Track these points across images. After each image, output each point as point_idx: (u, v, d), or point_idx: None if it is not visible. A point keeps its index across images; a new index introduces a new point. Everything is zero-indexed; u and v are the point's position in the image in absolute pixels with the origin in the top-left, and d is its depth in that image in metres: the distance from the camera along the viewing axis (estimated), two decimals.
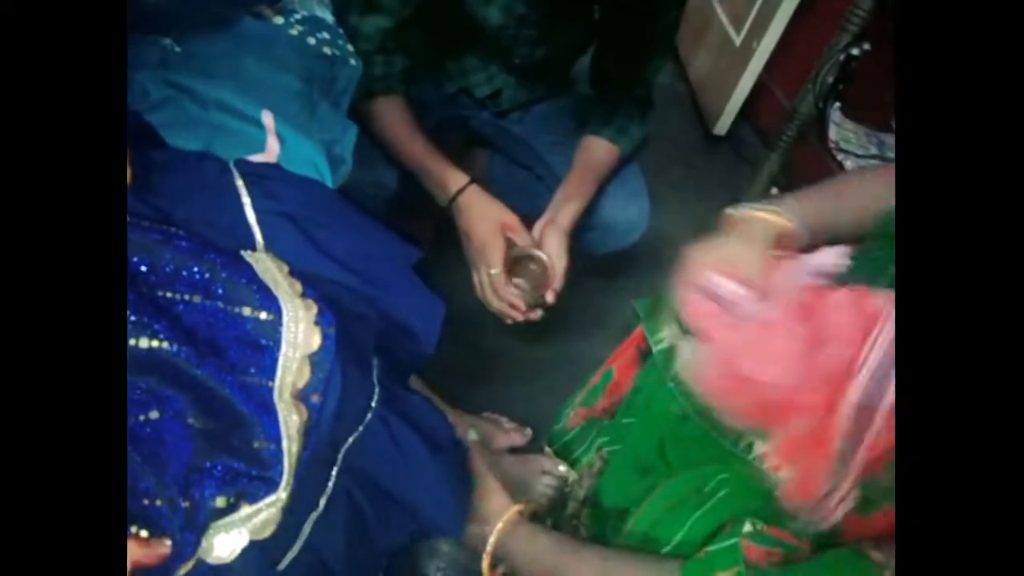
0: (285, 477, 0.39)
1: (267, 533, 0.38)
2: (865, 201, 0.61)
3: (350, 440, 0.46)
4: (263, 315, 0.41)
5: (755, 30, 1.62)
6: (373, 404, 0.48)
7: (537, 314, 0.96)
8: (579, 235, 1.02)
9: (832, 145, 1.17)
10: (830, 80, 1.08)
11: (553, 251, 0.92)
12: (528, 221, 0.95)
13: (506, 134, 1.18)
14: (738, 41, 1.69)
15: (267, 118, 0.59)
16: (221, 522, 0.37)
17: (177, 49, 0.65)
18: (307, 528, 0.43)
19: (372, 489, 0.48)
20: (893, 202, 0.53)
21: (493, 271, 0.90)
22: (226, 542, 0.37)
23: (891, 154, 1.13)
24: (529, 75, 1.10)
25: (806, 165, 1.45)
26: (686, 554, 0.57)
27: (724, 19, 1.80)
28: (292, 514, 0.40)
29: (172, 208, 0.46)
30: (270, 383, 0.40)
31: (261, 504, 0.38)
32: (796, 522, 0.52)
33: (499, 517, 0.64)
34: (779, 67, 1.64)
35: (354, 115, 0.76)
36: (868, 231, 0.61)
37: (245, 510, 0.37)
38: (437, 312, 0.55)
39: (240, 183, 0.49)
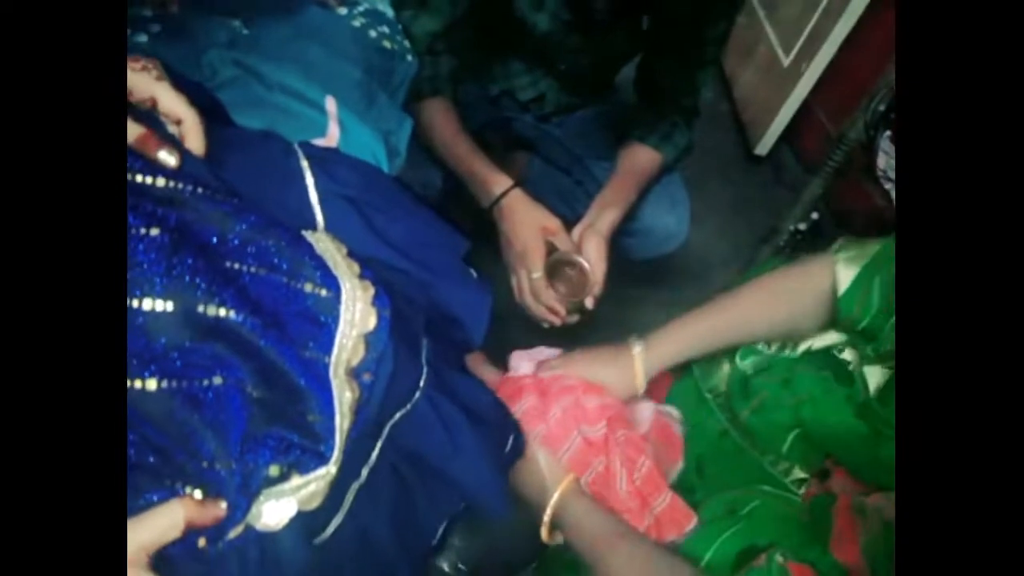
0: (336, 452, 0.40)
1: (314, 505, 0.39)
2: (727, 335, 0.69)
3: (396, 416, 0.47)
4: (323, 292, 0.43)
5: (804, 52, 1.62)
6: (421, 384, 0.49)
7: (575, 318, 0.96)
8: (618, 240, 1.02)
9: (880, 174, 1.16)
10: (882, 108, 1.08)
11: (593, 256, 0.93)
12: (566, 225, 0.96)
13: (547, 138, 1.20)
14: (786, 62, 1.69)
15: (330, 104, 0.60)
16: (272, 490, 0.38)
17: (245, 31, 0.67)
18: (349, 498, 0.44)
19: (418, 465, 0.49)
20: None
21: (535, 275, 0.91)
22: (275, 510, 0.38)
23: None
24: (573, 81, 1.11)
25: (848, 191, 1.45)
26: None
27: (774, 39, 1.80)
28: (337, 487, 0.41)
29: (239, 183, 0.47)
30: (327, 359, 0.41)
31: (311, 476, 0.39)
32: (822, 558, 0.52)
33: (556, 485, 0.64)
34: (826, 92, 1.63)
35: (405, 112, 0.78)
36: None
37: (295, 480, 0.38)
38: (485, 304, 0.56)
39: (304, 164, 0.50)
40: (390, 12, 0.83)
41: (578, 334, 1.00)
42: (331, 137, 0.60)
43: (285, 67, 0.62)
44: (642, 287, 1.33)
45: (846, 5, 1.46)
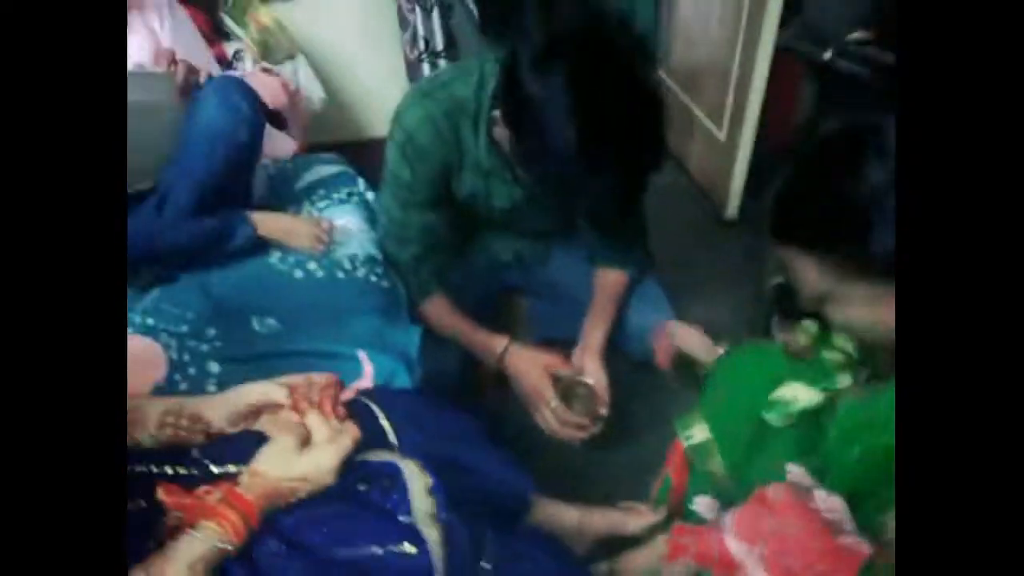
0: None
1: None
2: None
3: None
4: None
5: (735, 123, 1.90)
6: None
7: (599, 428, 1.18)
8: (620, 346, 1.26)
9: None
10: None
11: (593, 373, 1.17)
12: (571, 344, 1.21)
13: (535, 279, 1.46)
14: (722, 136, 1.97)
15: (362, 355, 0.87)
16: None
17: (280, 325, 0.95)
18: None
19: None
20: None
21: (553, 404, 1.13)
22: None
23: None
24: (541, 235, 1.38)
25: None
26: None
27: (704, 118, 2.09)
28: None
29: None
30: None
31: None
32: None
33: None
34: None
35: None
36: None
37: None
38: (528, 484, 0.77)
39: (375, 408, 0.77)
40: (378, 252, 1.12)
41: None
42: (367, 377, 0.86)
43: (319, 340, 0.89)
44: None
45: (751, 78, 1.75)
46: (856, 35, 1.19)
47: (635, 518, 1.08)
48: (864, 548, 0.68)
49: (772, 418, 0.86)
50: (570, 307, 1.43)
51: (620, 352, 1.29)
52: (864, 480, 0.74)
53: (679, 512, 1.03)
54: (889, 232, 0.54)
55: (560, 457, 1.34)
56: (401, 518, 0.67)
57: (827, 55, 1.27)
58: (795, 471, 0.80)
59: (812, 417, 0.84)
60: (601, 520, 1.03)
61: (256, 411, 0.72)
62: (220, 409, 0.71)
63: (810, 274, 0.65)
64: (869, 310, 0.64)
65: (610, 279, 1.29)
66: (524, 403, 1.19)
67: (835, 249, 0.62)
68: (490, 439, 0.83)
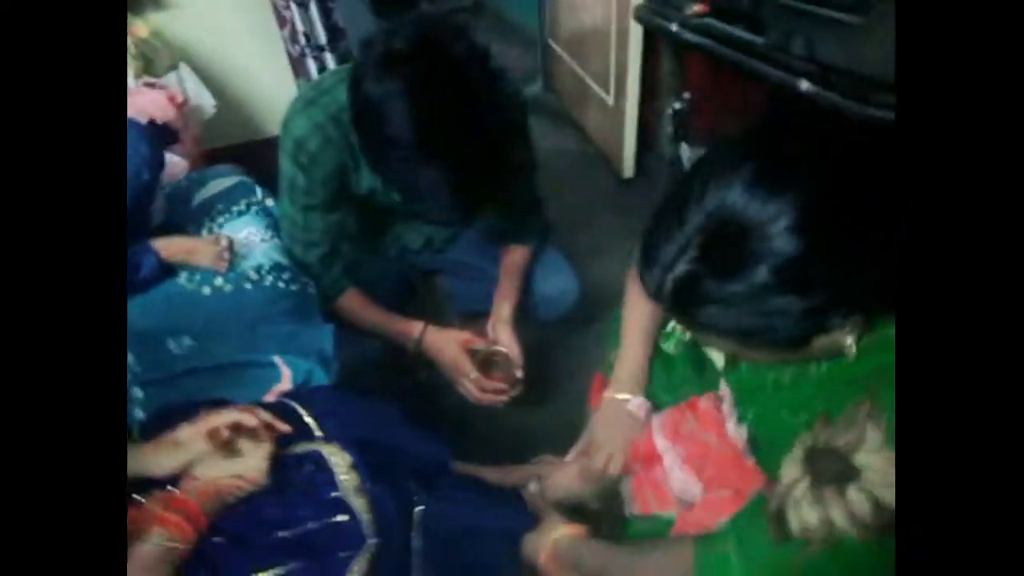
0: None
1: None
2: None
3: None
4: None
5: (619, 88, 2.01)
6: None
7: (518, 390, 1.28)
8: (530, 311, 1.38)
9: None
10: (670, 130, 1.44)
11: (506, 341, 1.27)
12: (485, 316, 1.31)
13: (448, 260, 1.54)
14: (611, 102, 2.08)
15: (278, 360, 0.93)
16: None
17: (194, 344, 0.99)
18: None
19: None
20: None
21: (472, 375, 1.23)
22: None
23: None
24: (445, 221, 1.46)
25: None
26: None
27: (594, 85, 2.19)
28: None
29: None
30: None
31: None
32: None
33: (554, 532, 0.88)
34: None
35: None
36: None
37: None
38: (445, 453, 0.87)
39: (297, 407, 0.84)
40: (285, 258, 1.16)
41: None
42: (286, 381, 0.92)
43: (235, 351, 0.95)
44: (589, 327, 1.64)
45: (628, 45, 1.85)
46: (695, 7, 1.30)
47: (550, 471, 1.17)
48: (763, 476, 0.76)
49: (668, 347, 1.00)
50: (483, 282, 1.49)
51: (531, 318, 1.40)
52: (764, 431, 0.80)
53: None
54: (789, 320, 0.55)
55: (492, 422, 1.45)
56: (332, 495, 0.76)
57: (674, 27, 1.38)
58: (725, 392, 0.89)
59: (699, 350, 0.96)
60: (519, 476, 1.13)
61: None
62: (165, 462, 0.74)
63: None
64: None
65: (513, 254, 1.39)
66: (447, 378, 1.29)
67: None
68: (409, 419, 0.92)
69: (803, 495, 0.58)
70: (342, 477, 0.77)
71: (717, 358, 0.91)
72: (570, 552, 0.86)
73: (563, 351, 1.63)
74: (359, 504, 0.75)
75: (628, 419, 0.98)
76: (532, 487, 1.07)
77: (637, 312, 1.00)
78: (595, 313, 1.60)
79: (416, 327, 1.27)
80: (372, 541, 0.73)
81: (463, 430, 1.41)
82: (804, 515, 0.57)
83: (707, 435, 0.87)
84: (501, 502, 0.96)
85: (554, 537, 0.88)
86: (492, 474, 1.10)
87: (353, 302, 1.28)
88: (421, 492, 0.83)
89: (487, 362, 1.28)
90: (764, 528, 0.61)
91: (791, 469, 0.61)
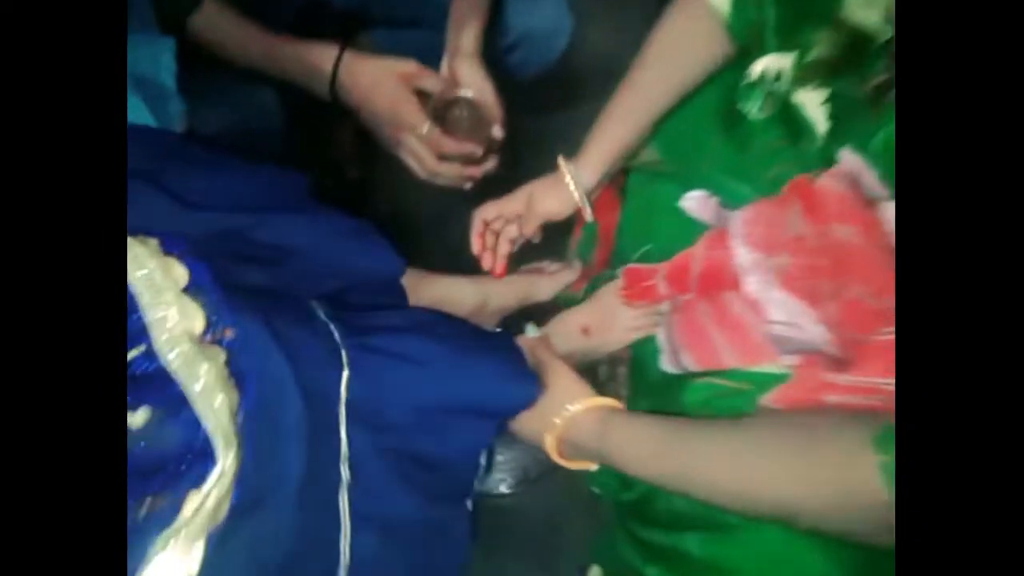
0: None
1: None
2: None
3: (342, 391, 0.46)
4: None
5: None
6: (339, 341, 0.47)
7: (494, 161, 0.88)
8: (502, 61, 0.95)
9: None
10: None
11: (473, 81, 0.82)
12: None
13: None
14: None
15: None
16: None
17: None
18: (344, 505, 0.44)
19: (421, 417, 0.50)
20: None
21: (424, 130, 0.80)
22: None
23: None
24: None
25: None
26: None
27: None
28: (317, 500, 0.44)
29: None
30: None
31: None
32: None
33: (576, 401, 0.60)
34: None
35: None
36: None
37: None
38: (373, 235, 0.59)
39: None
40: None
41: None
42: None
43: None
44: (572, 108, 1.13)
45: None
46: None
47: (547, 281, 0.82)
48: None
49: (750, 108, 0.69)
50: (430, 27, 0.96)
51: (500, 68, 0.92)
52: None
53: (609, 263, 0.80)
54: None
55: (442, 229, 1.02)
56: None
57: None
58: (849, 158, 0.61)
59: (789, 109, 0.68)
60: (505, 289, 0.80)
61: None
62: None
63: None
64: None
65: None
66: (382, 139, 0.85)
67: None
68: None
69: None
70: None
71: (819, 120, 0.65)
72: (611, 435, 0.57)
73: (544, 123, 1.13)
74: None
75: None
76: (530, 331, 0.74)
77: (672, 52, 0.69)
78: (593, 82, 1.04)
79: (328, 52, 0.80)
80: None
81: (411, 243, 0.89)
82: None
83: (835, 229, 0.58)
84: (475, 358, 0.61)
85: (574, 411, 0.60)
86: (464, 290, 0.77)
87: (217, 18, 0.79)
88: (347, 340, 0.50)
89: (443, 113, 0.83)
90: None
91: None
